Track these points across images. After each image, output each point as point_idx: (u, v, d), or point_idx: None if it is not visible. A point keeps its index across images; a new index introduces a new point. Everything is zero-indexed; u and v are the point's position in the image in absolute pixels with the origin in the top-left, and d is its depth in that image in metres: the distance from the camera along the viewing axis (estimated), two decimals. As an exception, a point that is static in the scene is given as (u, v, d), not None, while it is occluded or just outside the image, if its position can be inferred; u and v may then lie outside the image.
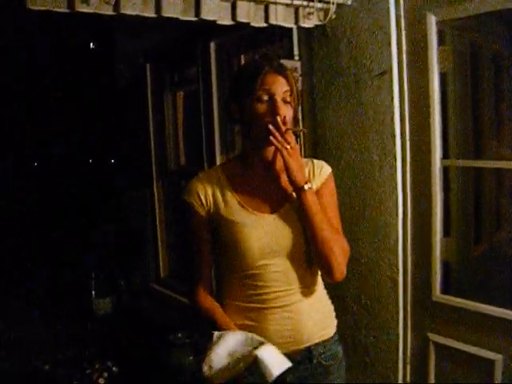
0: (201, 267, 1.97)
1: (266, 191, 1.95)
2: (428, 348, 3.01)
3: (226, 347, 1.73)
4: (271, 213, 1.92)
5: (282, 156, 1.83)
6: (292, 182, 1.86)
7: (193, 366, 4.11)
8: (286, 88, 1.86)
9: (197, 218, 1.94)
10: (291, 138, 1.84)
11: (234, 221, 1.89)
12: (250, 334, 1.79)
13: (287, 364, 1.70)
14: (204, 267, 1.97)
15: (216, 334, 1.78)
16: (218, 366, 1.71)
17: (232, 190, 1.94)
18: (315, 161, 2.07)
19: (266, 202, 1.94)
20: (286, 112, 1.85)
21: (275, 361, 1.67)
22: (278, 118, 1.82)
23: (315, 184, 1.99)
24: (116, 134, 6.03)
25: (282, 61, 3.08)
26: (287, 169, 1.84)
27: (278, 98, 1.84)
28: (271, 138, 1.80)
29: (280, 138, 1.81)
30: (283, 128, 1.82)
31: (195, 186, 1.95)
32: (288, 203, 1.94)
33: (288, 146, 1.82)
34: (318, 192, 1.98)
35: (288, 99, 1.86)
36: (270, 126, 1.82)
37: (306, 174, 1.98)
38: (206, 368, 1.71)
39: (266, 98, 1.84)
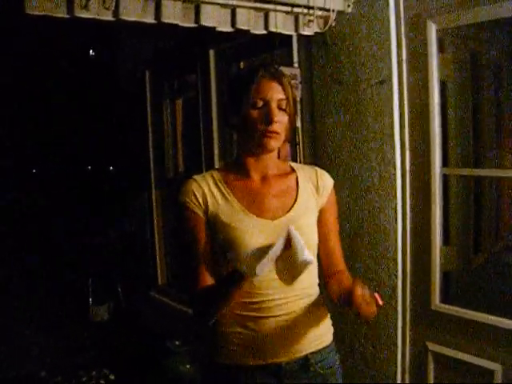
0: (203, 272, 1.88)
1: (267, 196, 1.92)
2: (427, 357, 3.00)
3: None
4: (272, 219, 1.88)
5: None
6: None
7: (190, 373, 4.09)
8: (281, 95, 1.83)
9: (194, 218, 1.88)
10: None
11: (234, 226, 1.84)
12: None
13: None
14: (206, 271, 1.88)
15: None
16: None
17: (231, 193, 1.90)
18: (318, 171, 2.05)
19: (268, 208, 1.90)
20: (281, 119, 1.83)
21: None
22: (271, 127, 1.80)
23: (321, 200, 1.99)
24: (115, 140, 6.03)
25: (282, 68, 3.09)
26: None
27: (273, 105, 1.81)
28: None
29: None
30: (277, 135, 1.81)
31: (191, 186, 1.90)
32: (290, 212, 1.91)
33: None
34: (322, 210, 1.99)
35: (283, 106, 1.84)
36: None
37: (312, 186, 1.98)
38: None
39: (260, 104, 1.82)
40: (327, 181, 2.04)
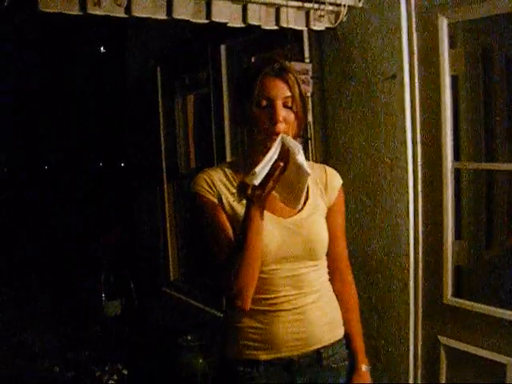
0: (227, 248, 1.80)
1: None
2: (439, 351, 3.00)
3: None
4: (284, 217, 1.89)
5: None
6: None
7: (202, 368, 4.11)
8: (287, 92, 1.79)
9: (211, 205, 1.86)
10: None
11: None
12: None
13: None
14: (230, 247, 1.80)
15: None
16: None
17: None
18: (328, 169, 2.06)
19: (279, 207, 1.86)
20: (287, 117, 1.79)
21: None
22: (276, 127, 1.77)
23: (329, 199, 2.00)
24: (126, 136, 6.05)
25: (293, 63, 3.10)
26: None
27: (278, 104, 1.78)
28: None
29: None
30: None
31: (203, 176, 1.89)
32: (302, 211, 1.91)
33: None
34: (330, 209, 2.00)
35: (289, 104, 1.80)
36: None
37: (321, 185, 1.99)
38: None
39: (264, 103, 1.78)
40: (336, 180, 2.05)
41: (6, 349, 4.81)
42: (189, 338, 4.25)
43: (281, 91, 1.79)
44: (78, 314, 5.54)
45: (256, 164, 1.63)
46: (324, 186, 2.01)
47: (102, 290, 5.64)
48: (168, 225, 5.27)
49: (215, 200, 1.86)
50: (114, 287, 5.66)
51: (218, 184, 1.89)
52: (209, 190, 1.87)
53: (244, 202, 1.73)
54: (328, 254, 2.00)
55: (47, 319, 5.52)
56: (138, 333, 5.10)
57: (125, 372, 4.28)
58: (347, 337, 2.05)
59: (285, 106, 1.80)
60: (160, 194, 5.31)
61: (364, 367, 2.05)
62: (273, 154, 1.61)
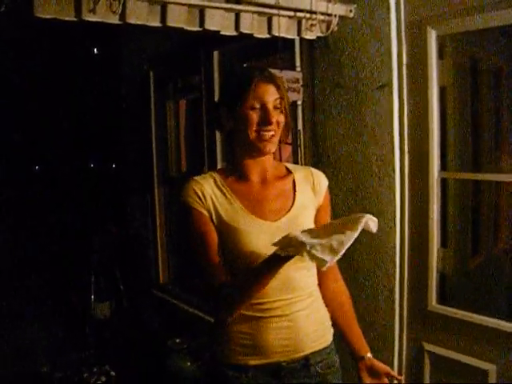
0: (218, 265, 1.88)
1: (266, 198, 1.97)
2: (423, 357, 3.04)
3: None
4: (274, 220, 1.93)
5: None
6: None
7: (191, 372, 4.13)
8: (277, 96, 1.90)
9: (199, 215, 1.91)
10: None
11: (237, 227, 1.88)
12: None
13: None
14: (220, 264, 1.89)
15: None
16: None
17: (233, 195, 1.94)
18: (313, 171, 2.11)
19: (268, 209, 1.94)
20: (278, 118, 1.90)
21: None
22: (270, 127, 1.87)
23: (317, 199, 2.05)
24: (118, 139, 6.06)
25: (284, 72, 3.14)
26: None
27: (270, 106, 1.88)
28: None
29: None
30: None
31: (192, 186, 1.93)
32: (290, 212, 1.96)
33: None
34: (319, 209, 2.05)
35: (278, 105, 1.90)
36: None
37: (309, 186, 2.04)
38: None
39: (257, 106, 1.87)
40: (323, 181, 2.10)
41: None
42: (177, 341, 4.26)
43: (272, 95, 1.89)
44: (67, 316, 5.53)
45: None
46: (311, 186, 2.05)
47: (92, 291, 5.63)
48: (158, 228, 5.30)
49: (204, 211, 1.91)
50: (103, 289, 5.65)
51: (208, 193, 1.92)
52: (198, 200, 1.91)
53: (239, 216, 1.88)
54: None
55: (36, 320, 5.50)
56: (126, 335, 5.10)
57: (113, 374, 4.28)
58: (347, 334, 2.15)
59: (275, 107, 1.89)
60: (151, 197, 5.33)
61: (369, 355, 2.14)
62: (355, 234, 1.56)
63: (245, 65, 4.12)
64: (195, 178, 1.98)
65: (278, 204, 1.97)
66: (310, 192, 2.04)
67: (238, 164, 1.99)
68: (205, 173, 2.04)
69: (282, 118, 1.92)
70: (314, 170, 2.12)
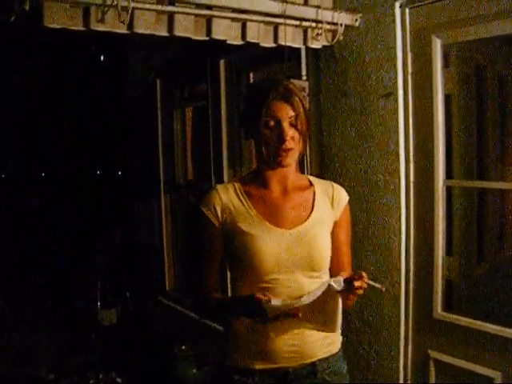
0: (210, 276, 2.04)
1: (284, 207, 2.01)
2: (428, 365, 3.04)
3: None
4: (289, 229, 1.97)
5: None
6: None
7: (196, 378, 4.14)
8: (292, 113, 1.91)
9: (211, 229, 1.99)
10: None
11: (251, 233, 1.93)
12: None
13: None
14: (213, 276, 2.05)
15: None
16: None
17: (251, 203, 1.99)
18: (335, 186, 2.14)
19: (285, 218, 1.99)
20: (293, 135, 1.92)
21: None
22: (284, 145, 1.90)
23: (334, 214, 2.08)
24: (125, 146, 6.09)
25: (291, 80, 3.15)
26: None
27: (285, 124, 1.90)
28: None
29: None
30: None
31: (213, 198, 2.00)
32: (305, 223, 1.99)
33: None
34: (336, 223, 2.08)
35: (294, 122, 1.92)
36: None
37: (328, 200, 2.08)
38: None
39: (272, 123, 1.91)
40: (342, 196, 2.13)
41: (0, 354, 4.81)
42: (183, 347, 4.27)
43: (286, 113, 1.92)
44: (74, 322, 5.54)
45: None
46: (330, 200, 2.08)
47: (98, 298, 5.64)
48: (165, 235, 5.32)
49: (216, 223, 1.99)
50: (110, 296, 5.66)
51: (226, 204, 1.99)
52: (214, 213, 1.98)
53: (254, 223, 1.95)
54: (333, 268, 2.06)
55: (42, 326, 5.52)
56: (132, 341, 5.11)
57: (119, 380, 4.29)
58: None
59: (290, 124, 1.92)
60: (157, 203, 5.36)
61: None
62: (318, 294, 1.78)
63: (252, 74, 4.15)
64: (217, 187, 2.06)
65: (294, 214, 2.01)
66: (328, 206, 2.07)
67: (261, 173, 2.05)
68: (216, 182, 2.12)
69: (296, 135, 1.93)
70: (335, 184, 2.15)
